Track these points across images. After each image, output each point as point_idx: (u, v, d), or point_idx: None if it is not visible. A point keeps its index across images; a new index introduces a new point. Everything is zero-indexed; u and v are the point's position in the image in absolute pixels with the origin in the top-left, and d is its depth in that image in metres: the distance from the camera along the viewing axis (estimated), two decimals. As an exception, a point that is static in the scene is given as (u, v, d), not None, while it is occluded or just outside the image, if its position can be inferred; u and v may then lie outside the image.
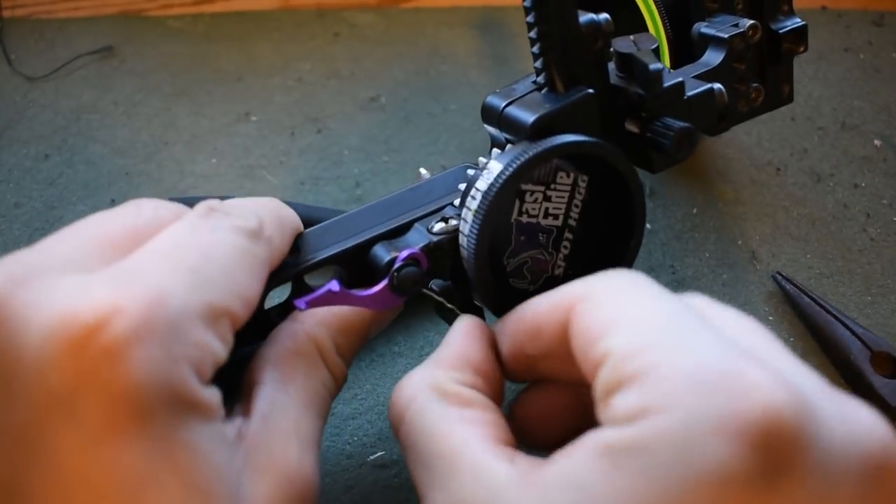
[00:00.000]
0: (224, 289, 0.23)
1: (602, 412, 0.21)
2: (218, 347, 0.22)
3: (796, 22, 0.38)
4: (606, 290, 0.24)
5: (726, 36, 0.35)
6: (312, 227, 0.30)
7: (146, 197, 0.46)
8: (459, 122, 0.51)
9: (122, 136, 0.51)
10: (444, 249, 0.30)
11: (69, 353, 0.19)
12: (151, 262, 0.22)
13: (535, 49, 0.29)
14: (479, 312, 0.30)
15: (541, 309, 0.25)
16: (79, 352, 0.19)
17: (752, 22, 0.36)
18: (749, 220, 0.45)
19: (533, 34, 0.29)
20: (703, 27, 0.36)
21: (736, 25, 0.36)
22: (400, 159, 0.49)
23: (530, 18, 0.29)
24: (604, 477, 0.20)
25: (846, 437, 0.20)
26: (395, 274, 0.28)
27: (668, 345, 0.21)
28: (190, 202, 0.43)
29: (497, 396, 0.27)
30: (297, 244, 0.29)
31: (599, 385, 0.22)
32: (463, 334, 0.27)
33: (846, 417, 0.20)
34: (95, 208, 0.46)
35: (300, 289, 0.30)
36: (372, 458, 0.35)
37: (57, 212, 0.46)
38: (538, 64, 0.30)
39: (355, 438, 0.35)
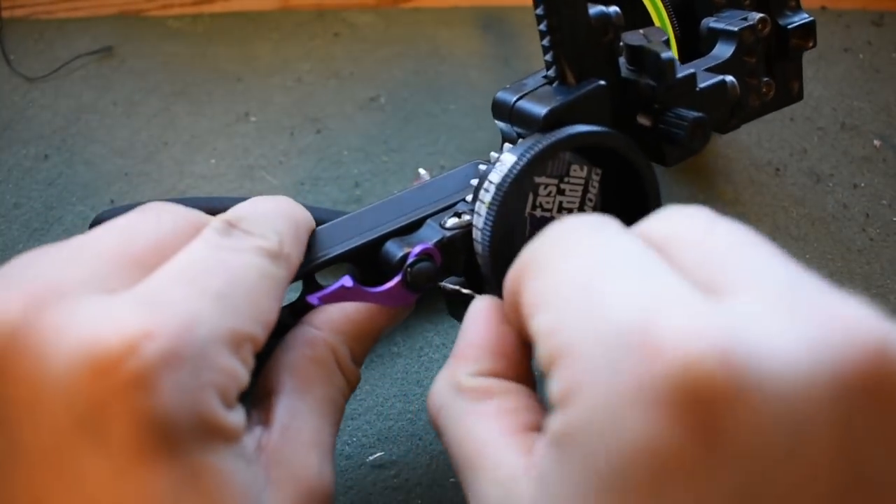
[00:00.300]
0: (247, 314, 0.22)
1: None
2: (242, 372, 0.22)
3: (804, 17, 0.37)
4: (542, 251, 0.22)
5: (736, 29, 0.35)
6: (324, 225, 0.30)
7: (146, 198, 0.46)
8: (459, 122, 0.51)
9: (122, 137, 0.51)
10: (458, 244, 0.29)
11: (96, 378, 0.19)
12: (178, 285, 0.22)
13: (545, 42, 0.29)
14: None
15: (509, 289, 0.24)
16: (106, 378, 0.19)
17: (761, 15, 0.36)
18: (749, 220, 0.45)
19: (543, 27, 0.29)
20: (711, 22, 0.36)
21: (745, 19, 0.36)
22: (399, 159, 0.49)
23: (539, 11, 0.29)
24: (557, 468, 0.19)
25: (812, 363, 0.16)
26: (409, 269, 0.28)
27: (583, 312, 0.19)
28: (191, 203, 0.43)
29: (523, 374, 0.25)
30: (309, 241, 0.29)
31: (542, 369, 0.20)
32: (475, 318, 0.26)
33: (818, 331, 0.17)
34: (95, 209, 0.46)
35: (311, 286, 0.29)
36: (371, 458, 0.35)
37: (56, 212, 0.46)
38: (548, 57, 0.30)
39: (354, 439, 0.35)
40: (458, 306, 0.30)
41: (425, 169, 0.45)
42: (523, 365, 0.25)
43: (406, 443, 0.35)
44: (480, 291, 0.30)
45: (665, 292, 0.18)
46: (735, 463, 0.16)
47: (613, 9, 0.29)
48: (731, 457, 0.16)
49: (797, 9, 0.38)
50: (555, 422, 0.19)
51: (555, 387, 0.19)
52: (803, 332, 0.17)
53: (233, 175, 0.48)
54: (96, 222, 0.42)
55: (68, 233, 0.45)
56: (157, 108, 0.53)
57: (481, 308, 0.26)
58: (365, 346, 0.29)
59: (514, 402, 0.24)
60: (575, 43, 0.29)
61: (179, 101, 0.53)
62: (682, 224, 0.21)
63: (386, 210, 0.31)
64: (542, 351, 0.20)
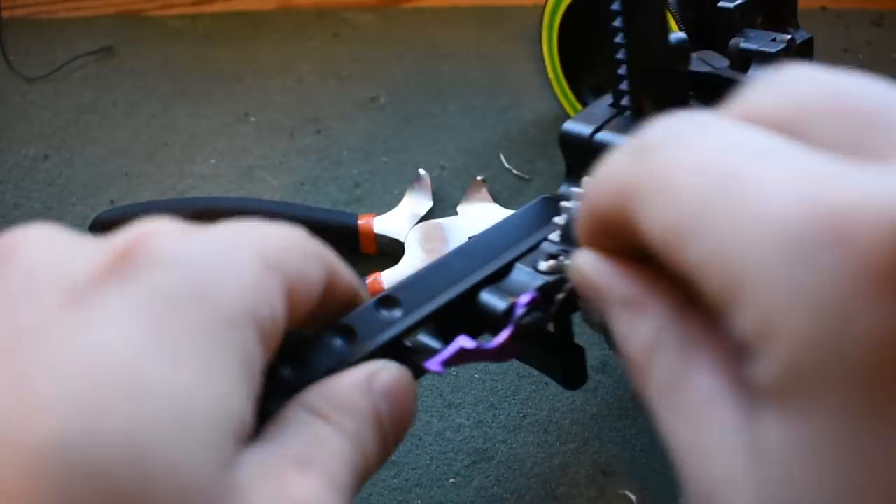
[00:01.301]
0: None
1: None
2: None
3: (803, 35, 0.38)
4: (649, 168, 0.18)
5: (774, 51, 0.35)
6: (402, 281, 0.26)
7: (146, 198, 0.46)
8: (459, 122, 0.51)
9: (122, 137, 0.51)
10: (554, 288, 0.26)
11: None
12: None
13: (622, 70, 0.29)
14: (579, 351, 0.27)
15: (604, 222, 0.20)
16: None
17: (788, 36, 0.36)
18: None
19: (620, 55, 0.28)
20: (742, 43, 0.36)
21: (774, 40, 0.36)
22: (399, 160, 0.49)
23: (619, 39, 0.28)
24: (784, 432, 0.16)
25: None
26: (519, 322, 0.25)
27: (747, 230, 0.16)
28: (190, 203, 0.43)
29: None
30: (390, 301, 0.26)
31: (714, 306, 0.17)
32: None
33: None
34: (95, 209, 0.46)
35: (401, 351, 0.25)
36: (371, 458, 0.35)
37: (56, 212, 0.46)
38: (623, 86, 0.29)
39: (355, 439, 0.35)
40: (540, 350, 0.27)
41: (425, 169, 0.46)
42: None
43: (406, 443, 0.35)
44: (566, 335, 0.28)
45: (823, 170, 0.16)
46: None
47: (684, 36, 0.29)
48: None
49: (797, 27, 0.39)
50: (761, 374, 0.16)
51: (746, 326, 0.16)
52: None
53: (233, 175, 0.48)
54: (96, 222, 0.42)
55: (68, 233, 0.45)
56: (157, 108, 0.53)
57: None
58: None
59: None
60: (653, 73, 0.28)
61: (179, 102, 0.53)
62: (795, 94, 0.18)
63: (467, 257, 0.28)
64: (712, 285, 0.17)
